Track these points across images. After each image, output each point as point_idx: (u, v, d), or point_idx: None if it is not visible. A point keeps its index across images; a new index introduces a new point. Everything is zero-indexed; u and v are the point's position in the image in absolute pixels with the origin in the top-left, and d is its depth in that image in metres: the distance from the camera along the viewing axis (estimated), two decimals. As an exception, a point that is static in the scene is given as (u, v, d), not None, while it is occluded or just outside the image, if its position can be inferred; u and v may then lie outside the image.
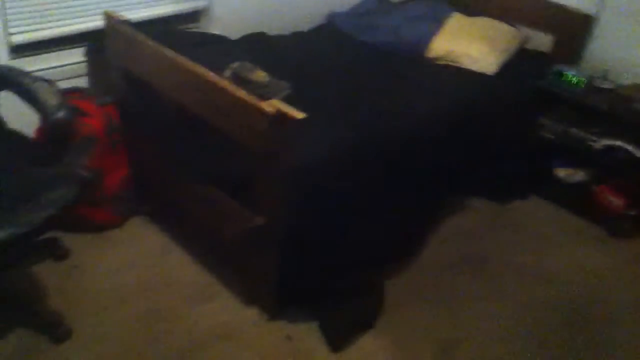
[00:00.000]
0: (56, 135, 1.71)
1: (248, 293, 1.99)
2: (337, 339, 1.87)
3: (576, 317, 2.09)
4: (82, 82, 2.30)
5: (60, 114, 1.67)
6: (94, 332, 1.81)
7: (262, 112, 1.63)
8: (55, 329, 1.76)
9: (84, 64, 2.28)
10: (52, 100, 1.67)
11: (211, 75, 1.79)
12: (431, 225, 2.38)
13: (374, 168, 2.02)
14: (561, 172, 2.78)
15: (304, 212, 1.78)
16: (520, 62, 2.75)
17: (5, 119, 1.89)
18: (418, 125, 2.19)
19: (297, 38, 2.76)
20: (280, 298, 1.93)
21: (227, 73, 2.07)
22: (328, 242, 1.89)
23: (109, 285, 1.98)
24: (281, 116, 1.62)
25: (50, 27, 2.14)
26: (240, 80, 2.02)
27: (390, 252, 2.15)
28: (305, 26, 2.90)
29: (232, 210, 1.89)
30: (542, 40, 2.90)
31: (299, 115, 1.62)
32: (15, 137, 1.87)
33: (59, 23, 2.17)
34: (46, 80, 1.73)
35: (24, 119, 1.92)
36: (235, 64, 2.10)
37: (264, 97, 1.71)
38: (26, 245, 1.88)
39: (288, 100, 1.71)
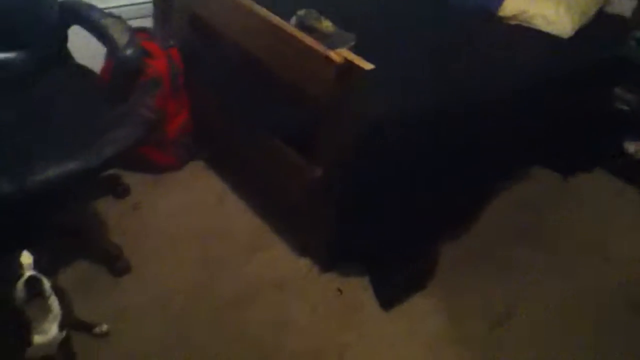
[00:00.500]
0: (124, 73, 1.72)
1: (301, 245, 1.99)
2: (388, 297, 1.86)
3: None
4: (148, 23, 2.31)
5: (130, 52, 1.67)
6: (151, 270, 1.85)
7: (329, 61, 1.59)
8: (115, 263, 1.81)
9: (150, 5, 2.28)
10: (122, 37, 1.67)
11: (278, 21, 1.76)
12: (492, 193, 2.31)
13: (439, 130, 1.95)
14: (631, 147, 2.64)
15: (364, 168, 1.75)
16: (598, 26, 2.58)
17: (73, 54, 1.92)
18: (485, 87, 2.10)
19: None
20: (334, 252, 1.93)
21: (293, 20, 2.02)
22: (386, 201, 1.86)
23: (167, 226, 2.02)
24: (348, 66, 1.57)
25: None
26: (305, 28, 1.97)
27: (448, 219, 2.10)
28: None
29: (291, 161, 1.88)
30: (623, 4, 2.72)
31: (367, 65, 1.57)
32: (83, 73, 1.90)
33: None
34: (117, 17, 1.73)
35: (91, 55, 1.94)
36: (302, 12, 2.05)
37: (329, 48, 1.67)
38: (92, 180, 1.92)
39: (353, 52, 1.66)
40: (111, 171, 2.12)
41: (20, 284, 1.23)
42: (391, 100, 1.80)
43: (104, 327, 1.63)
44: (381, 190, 1.82)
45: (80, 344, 1.55)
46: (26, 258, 1.25)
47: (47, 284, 1.26)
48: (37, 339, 1.32)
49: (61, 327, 1.36)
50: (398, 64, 2.01)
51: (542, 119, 2.34)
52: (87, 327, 1.61)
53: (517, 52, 2.34)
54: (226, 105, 2.15)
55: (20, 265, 1.24)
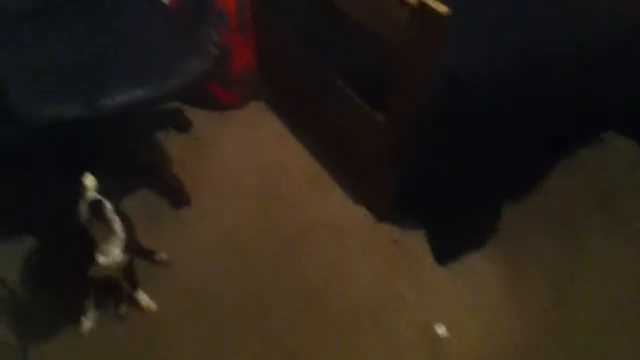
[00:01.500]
0: (194, 3, 1.70)
1: (359, 192, 1.97)
2: (444, 252, 1.83)
3: None
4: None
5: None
6: (211, 203, 1.88)
7: (402, 2, 1.51)
8: (176, 195, 1.84)
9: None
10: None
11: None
12: (566, 158, 2.19)
13: (516, 85, 1.84)
14: None
15: (432, 119, 1.68)
16: None
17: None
18: (567, 37, 1.95)
19: None
20: (392, 203, 1.89)
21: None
22: (452, 155, 1.79)
23: (227, 161, 2.04)
24: (423, 9, 1.49)
25: None
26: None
27: (516, 180, 2.02)
28: None
29: (356, 106, 1.83)
30: None
31: (443, 9, 1.48)
32: (153, 2, 1.88)
33: None
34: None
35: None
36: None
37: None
38: (156, 110, 1.94)
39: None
40: (175, 105, 2.13)
41: (84, 205, 1.27)
42: (468, 49, 1.71)
43: (164, 255, 1.67)
44: (447, 144, 1.76)
45: (142, 270, 1.60)
46: (90, 180, 1.28)
47: (109, 206, 1.29)
48: (101, 259, 1.37)
49: (124, 250, 1.40)
50: (476, 9, 1.89)
51: (623, 78, 2.18)
52: (148, 254, 1.66)
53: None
54: (293, 45, 2.11)
55: (84, 187, 1.27)
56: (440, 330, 1.62)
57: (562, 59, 1.85)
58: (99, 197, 1.27)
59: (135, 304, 1.56)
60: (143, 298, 1.56)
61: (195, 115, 2.17)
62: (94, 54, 1.60)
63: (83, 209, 1.27)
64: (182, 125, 2.13)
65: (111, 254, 1.38)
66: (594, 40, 1.92)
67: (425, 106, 1.64)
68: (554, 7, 2.03)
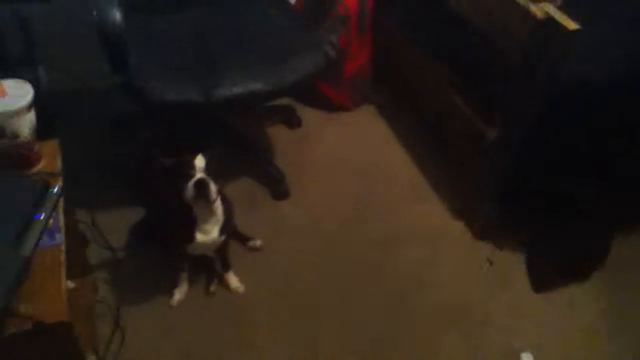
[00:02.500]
0: (315, 4, 1.75)
1: (460, 205, 1.92)
2: (543, 280, 1.73)
3: None
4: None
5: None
6: (309, 198, 1.93)
7: (528, 14, 1.45)
8: (277, 186, 1.91)
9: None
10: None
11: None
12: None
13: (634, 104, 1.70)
14: None
15: (545, 137, 1.60)
16: None
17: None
18: None
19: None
20: (493, 220, 1.82)
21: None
22: (562, 177, 1.69)
23: (330, 161, 2.08)
24: (549, 23, 1.43)
25: None
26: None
27: (627, 211, 1.86)
28: None
29: (468, 119, 1.79)
30: None
31: (572, 26, 1.40)
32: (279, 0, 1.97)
33: None
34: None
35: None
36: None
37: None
38: (269, 105, 2.02)
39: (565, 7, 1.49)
40: (288, 102, 2.21)
41: (191, 183, 1.35)
42: (591, 65, 1.61)
43: (258, 243, 1.74)
44: (558, 165, 1.67)
45: (234, 252, 1.67)
46: (200, 161, 1.36)
47: (213, 187, 1.36)
48: (200, 237, 1.45)
49: (221, 231, 1.47)
50: (601, 24, 1.77)
51: None
52: (243, 239, 1.73)
53: None
54: (410, 52, 2.10)
55: (193, 167, 1.35)
56: (527, 358, 1.53)
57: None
58: (206, 178, 1.35)
59: (225, 283, 1.63)
60: (233, 279, 1.63)
61: (306, 113, 2.24)
62: (217, 46, 1.71)
63: (189, 188, 1.35)
64: (293, 122, 2.20)
65: (209, 234, 1.46)
66: None
67: (536, 122, 1.57)
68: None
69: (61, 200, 1.14)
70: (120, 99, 1.68)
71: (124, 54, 1.49)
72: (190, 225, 1.44)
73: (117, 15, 1.43)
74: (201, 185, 1.35)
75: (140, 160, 1.73)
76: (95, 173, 1.90)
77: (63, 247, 1.09)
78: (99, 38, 1.46)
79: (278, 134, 2.16)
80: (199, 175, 1.35)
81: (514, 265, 1.77)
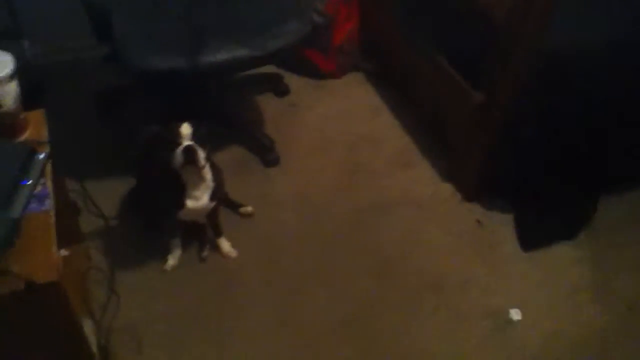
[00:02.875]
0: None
1: (448, 169, 1.94)
2: (531, 239, 1.75)
3: None
4: None
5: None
6: (298, 166, 1.94)
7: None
8: (266, 154, 1.92)
9: None
10: None
11: None
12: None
13: (622, 68, 1.71)
14: None
15: (532, 100, 1.61)
16: None
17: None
18: None
19: None
20: (481, 182, 1.85)
21: None
22: (548, 139, 1.71)
23: (319, 128, 2.09)
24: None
25: None
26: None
27: (615, 170, 1.88)
28: None
29: (455, 84, 1.79)
30: None
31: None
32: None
33: None
34: None
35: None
36: None
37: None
38: (257, 73, 2.02)
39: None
40: (275, 70, 2.21)
41: (179, 150, 1.36)
42: (575, 30, 1.61)
43: (249, 209, 1.76)
44: (545, 127, 1.68)
45: (226, 219, 1.70)
46: (186, 129, 1.37)
47: (202, 154, 1.38)
48: (190, 203, 1.47)
49: (212, 198, 1.49)
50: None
51: None
52: (234, 206, 1.75)
53: None
54: (397, 19, 2.10)
55: (180, 134, 1.37)
56: (515, 314, 1.56)
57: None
58: (193, 144, 1.37)
59: (217, 249, 1.66)
60: (225, 244, 1.66)
61: (295, 81, 2.24)
62: (202, 14, 1.70)
63: (178, 155, 1.37)
64: (281, 91, 2.20)
65: (199, 200, 1.48)
66: None
67: (523, 85, 1.58)
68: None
69: (49, 167, 1.16)
70: (107, 72, 1.68)
71: (109, 23, 1.49)
72: (180, 192, 1.46)
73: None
74: (189, 152, 1.36)
75: (130, 130, 1.74)
76: (84, 144, 1.91)
77: (52, 213, 1.10)
78: (84, 8, 1.46)
79: (266, 102, 2.16)
80: (187, 142, 1.37)
81: (502, 226, 1.80)
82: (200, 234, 1.67)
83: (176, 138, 1.37)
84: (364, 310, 1.58)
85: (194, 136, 1.37)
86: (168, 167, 1.39)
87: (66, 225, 1.27)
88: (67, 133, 1.89)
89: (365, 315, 1.57)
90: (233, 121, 1.99)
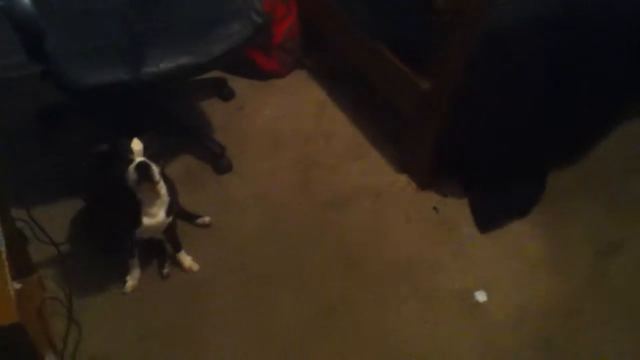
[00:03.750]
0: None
1: (401, 159, 1.96)
2: (486, 219, 1.80)
3: None
4: None
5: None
6: (252, 169, 1.91)
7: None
8: (218, 160, 1.88)
9: None
10: None
11: None
12: (609, 124, 2.10)
13: (560, 44, 1.77)
14: None
15: (475, 83, 1.64)
16: None
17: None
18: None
19: None
20: (434, 169, 1.87)
21: None
22: (495, 120, 1.75)
23: (269, 129, 2.06)
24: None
25: None
26: None
27: (559, 146, 1.95)
28: None
29: (399, 72, 1.80)
30: None
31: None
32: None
33: None
34: None
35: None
36: None
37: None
38: (200, 79, 1.97)
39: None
40: (218, 74, 2.16)
41: (131, 168, 1.31)
42: (511, 9, 1.65)
43: (207, 219, 1.72)
44: (490, 108, 1.72)
45: (184, 232, 1.65)
46: (137, 144, 1.32)
47: (155, 170, 1.33)
48: (146, 220, 1.41)
49: (168, 213, 1.45)
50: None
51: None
52: (191, 217, 1.71)
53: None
54: (336, 11, 2.09)
55: (131, 151, 1.31)
56: (480, 296, 1.60)
57: (611, 15, 1.76)
58: (146, 160, 1.32)
59: (178, 264, 1.61)
60: (185, 258, 1.61)
61: (239, 84, 2.20)
62: (140, 23, 1.64)
63: (131, 172, 1.31)
64: (226, 94, 2.16)
65: (156, 216, 1.43)
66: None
67: (468, 68, 1.60)
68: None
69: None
70: (47, 88, 1.59)
71: (40, 38, 1.41)
72: (135, 209, 1.40)
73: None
74: (142, 168, 1.32)
75: (74, 148, 1.67)
76: (26, 167, 1.82)
77: (3, 248, 1.04)
78: (10, 23, 1.37)
79: (213, 107, 2.11)
80: (139, 158, 1.32)
81: (459, 210, 1.83)
82: (158, 250, 1.62)
83: (127, 155, 1.32)
84: (339, 304, 1.58)
85: (146, 151, 1.32)
86: (121, 185, 1.34)
87: (15, 257, 1.20)
88: (6, 157, 1.81)
89: (341, 309, 1.57)
90: (180, 130, 1.93)
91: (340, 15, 2.07)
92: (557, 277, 1.67)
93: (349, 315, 1.56)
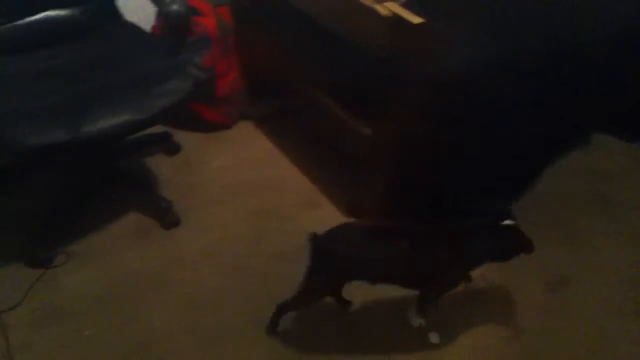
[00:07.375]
0: (172, 29, 1.74)
1: (350, 206, 1.97)
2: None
3: None
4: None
5: (175, 7, 1.69)
6: (202, 223, 1.89)
7: (377, 15, 1.53)
8: (165, 216, 1.86)
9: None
10: (169, -7, 1.68)
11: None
12: (556, 159, 2.19)
13: (502, 87, 1.82)
14: None
15: (416, 128, 1.68)
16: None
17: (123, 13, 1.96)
18: (568, 44, 1.91)
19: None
20: (384, 215, 1.89)
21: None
22: (439, 163, 1.79)
23: (218, 182, 2.05)
24: (398, 21, 1.51)
25: None
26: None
27: (509, 185, 2.01)
28: None
29: (341, 120, 1.84)
30: None
31: (416, 19, 1.50)
32: (133, 29, 1.93)
33: None
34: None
35: (141, 15, 1.98)
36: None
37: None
38: (144, 136, 1.96)
39: (411, 4, 1.58)
40: (162, 129, 2.16)
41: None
42: (448, 57, 1.71)
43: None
44: (434, 152, 1.76)
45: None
46: None
47: None
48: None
49: None
50: (455, 15, 1.89)
51: (614, 80, 2.16)
52: None
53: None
54: (277, 62, 2.13)
55: None
56: (434, 337, 1.60)
57: (556, 59, 1.85)
58: None
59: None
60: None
61: (185, 137, 2.21)
62: (76, 80, 1.64)
63: None
64: (171, 149, 2.16)
65: None
66: (585, 42, 1.91)
67: (404, 115, 1.65)
68: (544, 9, 2.02)
69: None
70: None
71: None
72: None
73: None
74: None
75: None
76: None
77: None
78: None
79: (158, 163, 2.10)
80: None
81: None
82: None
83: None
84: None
85: None
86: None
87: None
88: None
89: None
90: (127, 186, 1.91)
91: (279, 66, 2.11)
92: (505, 309, 1.69)
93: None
